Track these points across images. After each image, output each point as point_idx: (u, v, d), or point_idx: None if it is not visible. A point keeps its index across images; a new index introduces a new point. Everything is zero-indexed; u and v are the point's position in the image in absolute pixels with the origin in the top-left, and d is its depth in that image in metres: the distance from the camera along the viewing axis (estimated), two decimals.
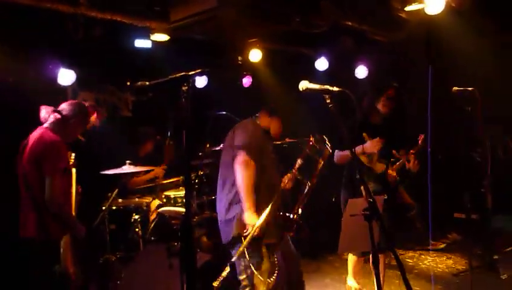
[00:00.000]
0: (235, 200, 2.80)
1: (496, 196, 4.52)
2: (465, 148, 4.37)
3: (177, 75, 1.60)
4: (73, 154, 3.22)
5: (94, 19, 3.82)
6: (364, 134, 3.62)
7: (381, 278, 2.61)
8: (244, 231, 2.66)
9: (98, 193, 4.16)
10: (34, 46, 4.00)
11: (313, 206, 3.74)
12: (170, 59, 4.70)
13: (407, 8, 4.09)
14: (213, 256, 3.64)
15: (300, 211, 3.01)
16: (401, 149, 4.17)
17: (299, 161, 3.15)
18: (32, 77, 4.11)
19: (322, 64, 5.81)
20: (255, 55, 5.37)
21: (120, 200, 4.21)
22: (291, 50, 5.81)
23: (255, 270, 2.68)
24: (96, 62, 4.68)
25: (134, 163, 4.06)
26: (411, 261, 5.06)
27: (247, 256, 2.63)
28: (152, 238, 3.91)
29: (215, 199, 3.04)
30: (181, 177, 4.56)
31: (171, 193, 4.32)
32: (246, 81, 5.80)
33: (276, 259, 2.86)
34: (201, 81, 5.39)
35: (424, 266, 4.92)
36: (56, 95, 4.47)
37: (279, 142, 6.45)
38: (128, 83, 1.52)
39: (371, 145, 3.54)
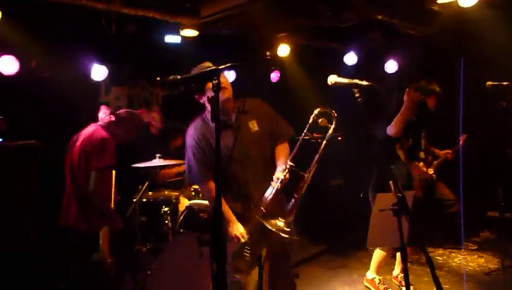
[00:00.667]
0: None
1: None
2: (499, 144, 4.24)
3: (208, 69, 1.64)
4: None
5: (127, 15, 3.91)
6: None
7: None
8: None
9: (129, 185, 4.28)
10: (69, 42, 4.12)
11: (341, 203, 3.74)
12: (199, 54, 4.74)
13: (440, 1, 4.00)
14: None
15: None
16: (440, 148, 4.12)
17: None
18: (67, 72, 4.24)
19: (351, 58, 5.75)
20: (284, 50, 5.37)
21: (150, 193, 4.31)
22: (319, 45, 5.77)
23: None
24: (127, 58, 4.79)
25: (164, 157, 4.16)
26: (441, 258, 4.97)
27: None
28: (181, 230, 3.98)
29: None
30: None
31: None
32: (274, 76, 5.80)
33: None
34: (229, 76, 5.43)
35: (454, 264, 4.83)
36: (89, 90, 4.63)
37: (308, 137, 6.44)
38: (158, 78, 1.55)
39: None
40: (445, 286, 4.03)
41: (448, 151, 4.66)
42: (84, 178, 2.87)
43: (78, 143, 2.98)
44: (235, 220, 2.69)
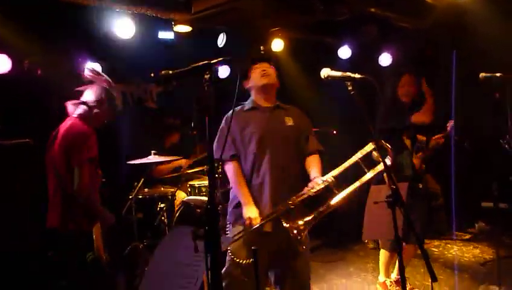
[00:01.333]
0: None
1: None
2: (493, 136, 4.27)
3: (200, 63, 1.64)
4: None
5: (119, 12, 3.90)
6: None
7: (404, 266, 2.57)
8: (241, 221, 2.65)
9: (124, 182, 4.28)
10: (62, 39, 4.10)
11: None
12: (193, 50, 4.75)
13: None
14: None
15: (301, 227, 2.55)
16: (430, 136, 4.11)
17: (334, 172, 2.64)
18: (60, 70, 4.21)
19: (344, 52, 5.75)
20: (277, 45, 5.36)
21: (146, 189, 4.31)
22: (313, 39, 5.76)
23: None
24: (121, 55, 4.77)
25: (159, 153, 4.15)
26: (437, 250, 5.01)
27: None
28: (179, 226, 3.99)
29: None
30: (205, 166, 4.63)
31: (196, 182, 4.40)
32: None
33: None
34: (223, 72, 5.42)
35: (450, 255, 4.87)
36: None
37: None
38: (152, 74, 1.54)
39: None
40: (440, 277, 4.07)
41: (438, 136, 4.67)
42: (67, 176, 2.75)
43: (57, 140, 2.84)
44: (252, 203, 2.64)
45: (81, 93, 3.00)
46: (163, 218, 4.04)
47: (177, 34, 4.63)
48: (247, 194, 2.68)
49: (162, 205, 4.11)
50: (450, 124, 3.95)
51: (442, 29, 5.25)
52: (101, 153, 3.34)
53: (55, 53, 4.12)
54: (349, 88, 2.14)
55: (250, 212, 2.62)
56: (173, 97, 5.11)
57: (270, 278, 2.89)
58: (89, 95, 2.96)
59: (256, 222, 2.57)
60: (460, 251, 4.98)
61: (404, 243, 3.32)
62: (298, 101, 5.84)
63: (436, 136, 4.57)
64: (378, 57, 5.91)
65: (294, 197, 2.58)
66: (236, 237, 2.58)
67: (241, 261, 2.62)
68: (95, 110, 2.93)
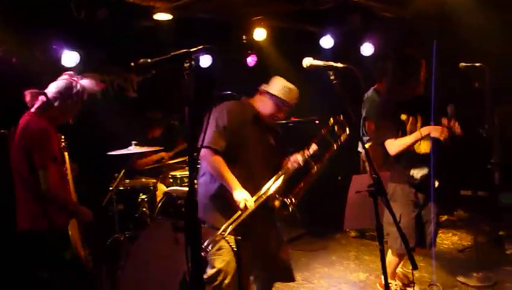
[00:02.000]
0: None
1: (506, 173, 4.49)
2: (473, 125, 4.33)
3: (179, 51, 1.60)
4: (63, 137, 2.98)
5: None
6: (403, 116, 3.32)
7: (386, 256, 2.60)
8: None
9: (105, 173, 4.21)
10: (37, 27, 3.98)
11: (319, 186, 3.76)
12: (175, 39, 4.67)
13: None
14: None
15: (293, 199, 2.76)
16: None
17: (313, 146, 2.89)
18: (36, 58, 4.10)
19: (327, 42, 5.73)
20: (260, 34, 5.31)
21: (127, 180, 4.26)
22: (296, 28, 5.73)
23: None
24: (100, 43, 4.66)
25: (140, 144, 4.10)
26: None
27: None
28: (159, 217, 3.95)
29: None
30: (186, 157, 4.58)
31: (178, 173, 4.36)
32: (251, 60, 5.75)
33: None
34: (205, 61, 5.36)
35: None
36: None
37: (284, 122, 6.44)
38: (133, 64, 1.49)
39: (434, 129, 3.15)
40: (420, 264, 4.13)
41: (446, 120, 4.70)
42: (30, 176, 2.56)
43: (16, 139, 2.63)
44: (240, 186, 2.63)
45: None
46: (144, 209, 4.00)
47: (159, 22, 4.54)
48: (234, 178, 2.66)
49: (144, 196, 4.06)
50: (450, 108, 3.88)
51: (425, 19, 5.28)
52: (81, 144, 3.26)
53: (31, 41, 3.99)
54: (332, 77, 2.12)
55: (243, 193, 2.60)
56: (154, 88, 5.04)
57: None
58: (52, 87, 2.73)
59: (251, 204, 2.58)
60: (439, 238, 5.05)
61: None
62: None
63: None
64: (360, 47, 5.92)
65: (280, 173, 2.74)
66: (230, 226, 2.55)
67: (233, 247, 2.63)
68: (56, 104, 2.68)
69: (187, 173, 4.34)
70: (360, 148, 4.88)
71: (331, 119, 2.91)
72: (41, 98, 2.68)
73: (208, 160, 2.71)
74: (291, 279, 3.03)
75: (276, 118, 2.94)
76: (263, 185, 2.75)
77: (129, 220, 4.02)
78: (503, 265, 3.88)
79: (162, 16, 4.34)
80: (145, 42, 4.71)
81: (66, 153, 2.94)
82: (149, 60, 1.60)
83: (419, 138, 3.16)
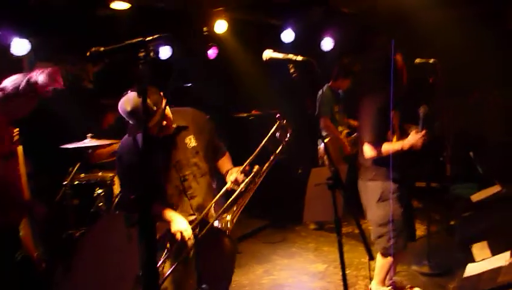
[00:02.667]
0: None
1: (457, 165, 4.69)
2: (428, 119, 4.48)
3: (134, 40, 1.54)
4: (16, 130, 2.81)
5: None
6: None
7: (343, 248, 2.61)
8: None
9: (59, 168, 4.05)
10: None
11: (281, 179, 3.79)
12: (133, 29, 4.54)
13: None
14: None
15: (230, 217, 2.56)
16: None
17: (256, 168, 2.66)
18: None
19: (288, 35, 5.75)
20: (221, 26, 5.25)
21: (82, 175, 4.11)
22: (257, 20, 5.72)
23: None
24: (55, 31, 4.45)
25: (97, 136, 3.96)
26: None
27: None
28: (117, 212, 3.85)
29: None
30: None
31: None
32: (212, 52, 5.69)
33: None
34: (165, 52, 5.25)
35: None
36: (10, 65, 4.27)
37: (246, 115, 6.44)
38: (88, 53, 1.43)
39: (415, 141, 3.10)
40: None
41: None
42: None
43: None
44: (177, 215, 2.48)
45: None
46: (101, 204, 3.87)
47: (117, 11, 4.38)
48: (168, 209, 2.50)
49: (100, 191, 3.93)
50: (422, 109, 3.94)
51: (382, 15, 5.40)
52: (33, 136, 3.10)
53: None
54: (291, 70, 2.12)
55: (181, 223, 2.44)
56: (110, 77, 4.88)
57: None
58: (8, 82, 2.63)
59: (189, 233, 2.42)
60: None
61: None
62: (242, 84, 5.84)
63: None
64: (320, 42, 5.99)
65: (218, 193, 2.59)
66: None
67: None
68: (11, 99, 2.59)
69: None
70: (319, 144, 4.95)
71: (276, 124, 2.71)
72: None
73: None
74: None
75: (158, 127, 2.48)
76: (207, 193, 2.66)
77: (85, 216, 3.89)
78: (454, 253, 4.05)
79: (119, 5, 4.19)
80: (102, 31, 4.55)
81: (19, 147, 2.79)
82: (102, 49, 1.53)
83: (400, 151, 3.12)
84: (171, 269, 2.36)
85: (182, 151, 2.62)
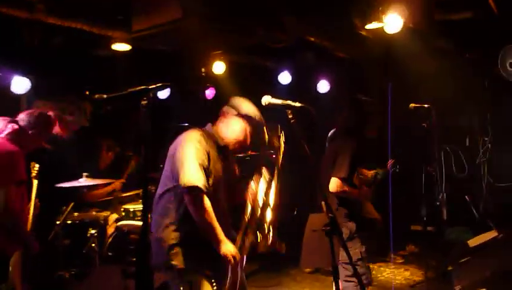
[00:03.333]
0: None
1: (452, 209, 4.69)
2: (422, 164, 4.51)
3: (137, 88, 1.56)
4: (37, 165, 3.14)
5: (52, 25, 3.70)
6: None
7: None
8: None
9: (52, 206, 4.00)
10: None
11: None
12: (132, 69, 4.62)
13: (368, 26, 4.21)
14: None
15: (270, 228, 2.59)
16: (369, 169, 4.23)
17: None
18: None
19: (284, 78, 5.87)
20: (219, 67, 5.35)
21: (76, 214, 4.06)
22: (254, 63, 5.84)
23: None
24: (54, 70, 4.52)
25: (92, 176, 3.94)
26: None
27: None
28: (109, 253, 3.77)
29: None
30: (141, 190, 4.44)
31: (131, 207, 4.19)
32: (209, 93, 5.77)
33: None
34: (163, 93, 5.32)
35: (383, 278, 5.02)
36: (9, 103, 4.30)
37: (241, 155, 6.45)
38: (87, 93, 1.45)
39: (366, 195, 3.56)
40: None
41: (377, 171, 4.86)
42: None
43: None
44: (226, 239, 2.36)
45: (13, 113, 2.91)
46: (93, 245, 3.79)
47: (116, 52, 4.47)
48: (220, 229, 2.35)
49: (93, 231, 3.86)
50: (390, 162, 4.11)
51: (376, 60, 5.55)
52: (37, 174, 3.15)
53: None
54: (290, 116, 2.16)
55: (231, 247, 2.34)
56: (108, 117, 4.91)
57: None
58: (23, 116, 2.87)
59: (238, 257, 2.36)
60: (392, 273, 5.15)
61: None
62: None
63: (373, 171, 4.74)
64: (317, 84, 6.10)
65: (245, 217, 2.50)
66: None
67: None
68: (26, 132, 2.82)
69: (140, 206, 4.20)
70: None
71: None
72: (12, 125, 2.81)
73: (199, 204, 2.29)
74: None
75: (243, 145, 2.59)
76: (228, 222, 2.56)
77: (76, 257, 3.80)
78: None
79: (120, 46, 4.28)
80: (101, 71, 4.62)
81: (35, 181, 3.07)
82: (104, 96, 1.55)
83: (357, 198, 3.38)
84: None
85: (231, 170, 2.64)
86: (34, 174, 3.09)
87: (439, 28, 4.52)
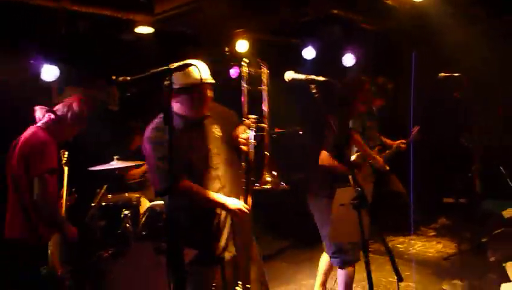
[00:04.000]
0: None
1: (487, 180, 4.57)
2: (454, 134, 4.40)
3: (159, 69, 1.58)
4: (66, 153, 3.20)
5: (77, 12, 3.76)
6: None
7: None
8: None
9: (87, 189, 4.14)
10: (16, 42, 3.93)
11: (303, 196, 3.76)
12: (157, 52, 4.65)
13: None
14: None
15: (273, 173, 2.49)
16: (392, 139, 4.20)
17: (252, 117, 2.57)
18: (15, 73, 4.04)
19: (309, 53, 5.78)
20: (242, 46, 5.33)
21: (109, 196, 4.19)
22: (278, 40, 5.77)
23: None
24: (81, 57, 4.61)
25: (124, 158, 4.05)
26: (401, 246, 5.12)
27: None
28: (143, 233, 3.89)
29: None
30: None
31: None
32: (234, 72, 5.76)
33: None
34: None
35: (414, 251, 4.98)
36: (40, 91, 4.43)
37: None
38: (114, 77, 1.48)
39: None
40: (406, 273, 4.15)
41: (402, 141, 4.78)
42: (26, 186, 2.69)
43: (17, 149, 2.78)
44: (224, 197, 2.43)
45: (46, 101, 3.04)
46: (128, 225, 3.92)
47: (140, 35, 4.51)
48: (215, 193, 2.42)
49: (127, 212, 3.98)
50: (415, 129, 4.05)
51: (404, 31, 5.38)
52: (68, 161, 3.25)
53: (8, 55, 3.93)
54: (313, 91, 2.14)
55: (235, 202, 2.41)
56: (137, 100, 4.99)
57: None
58: (61, 106, 2.94)
59: (246, 206, 2.41)
60: (424, 246, 5.10)
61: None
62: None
63: (398, 141, 4.69)
64: (341, 58, 5.98)
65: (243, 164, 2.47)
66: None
67: None
68: (62, 122, 2.89)
69: None
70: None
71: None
72: (49, 114, 2.88)
73: (179, 194, 2.34)
74: None
75: (202, 105, 2.49)
76: (235, 184, 2.56)
77: (112, 237, 3.94)
78: (487, 272, 3.91)
79: (143, 29, 4.32)
80: (127, 56, 4.68)
81: (66, 168, 3.12)
82: (128, 78, 1.58)
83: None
84: None
85: (211, 140, 2.57)
86: (64, 161, 3.15)
87: None
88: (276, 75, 2.72)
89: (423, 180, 4.95)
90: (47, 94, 4.59)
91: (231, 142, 2.60)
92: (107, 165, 3.90)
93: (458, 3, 4.42)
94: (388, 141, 4.93)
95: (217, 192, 2.47)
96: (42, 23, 3.82)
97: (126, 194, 4.31)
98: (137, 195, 4.24)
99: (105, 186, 3.91)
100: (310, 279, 4.37)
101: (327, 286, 3.80)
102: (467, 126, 4.25)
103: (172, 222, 1.38)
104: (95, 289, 3.39)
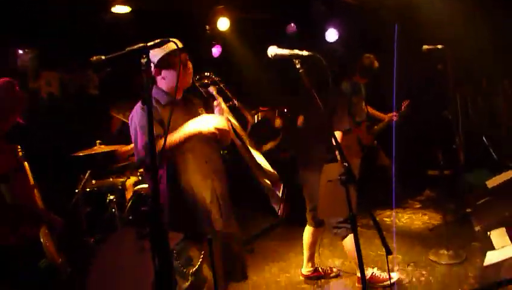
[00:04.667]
0: None
1: (469, 152, 4.62)
2: (437, 107, 4.41)
3: (134, 47, 1.51)
4: (19, 147, 2.83)
5: None
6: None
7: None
8: None
9: (70, 176, 4.06)
10: None
11: (292, 175, 3.76)
12: (137, 33, 4.51)
13: None
14: None
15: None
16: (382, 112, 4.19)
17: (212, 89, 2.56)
18: None
19: (291, 29, 5.70)
20: (223, 24, 5.22)
21: (94, 181, 4.11)
22: (259, 16, 5.66)
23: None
24: (57, 40, 4.45)
25: (106, 142, 3.96)
26: (389, 219, 5.18)
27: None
28: (130, 217, 3.85)
29: None
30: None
31: None
32: (216, 50, 5.65)
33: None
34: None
35: (401, 223, 5.05)
36: (15, 76, 4.27)
37: (253, 112, 6.39)
38: (91, 59, 1.40)
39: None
40: (394, 245, 4.20)
41: (394, 114, 4.77)
42: None
43: None
44: (198, 121, 2.28)
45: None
46: (113, 210, 3.87)
47: (117, 14, 4.37)
48: (185, 126, 2.27)
49: (112, 197, 3.93)
50: (405, 103, 4.04)
51: (386, 4, 5.32)
52: (43, 147, 3.11)
53: None
54: (298, 66, 2.08)
55: (208, 121, 2.27)
56: (114, 81, 4.86)
57: None
58: None
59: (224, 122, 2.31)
60: (410, 219, 5.18)
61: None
62: (246, 81, 5.82)
63: (389, 114, 4.68)
64: (325, 33, 5.92)
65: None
66: None
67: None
68: None
69: None
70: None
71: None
72: None
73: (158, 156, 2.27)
74: (245, 277, 2.72)
75: (186, 79, 2.43)
76: (217, 162, 2.53)
77: (97, 223, 3.89)
78: (472, 241, 3.99)
79: (120, 9, 4.18)
80: (105, 37, 4.53)
81: (25, 163, 2.80)
82: (103, 57, 1.50)
83: None
84: None
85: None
86: (19, 155, 2.80)
87: None
88: (259, 53, 2.65)
89: (407, 154, 4.98)
90: (22, 79, 4.45)
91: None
92: (89, 150, 3.82)
93: None
94: (377, 113, 4.93)
95: (201, 166, 2.40)
96: (16, 5, 3.65)
97: (110, 179, 4.25)
98: (122, 180, 4.17)
99: (88, 171, 3.83)
100: (300, 256, 4.39)
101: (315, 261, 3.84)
102: (449, 98, 4.26)
103: (156, 203, 1.33)
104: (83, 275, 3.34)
